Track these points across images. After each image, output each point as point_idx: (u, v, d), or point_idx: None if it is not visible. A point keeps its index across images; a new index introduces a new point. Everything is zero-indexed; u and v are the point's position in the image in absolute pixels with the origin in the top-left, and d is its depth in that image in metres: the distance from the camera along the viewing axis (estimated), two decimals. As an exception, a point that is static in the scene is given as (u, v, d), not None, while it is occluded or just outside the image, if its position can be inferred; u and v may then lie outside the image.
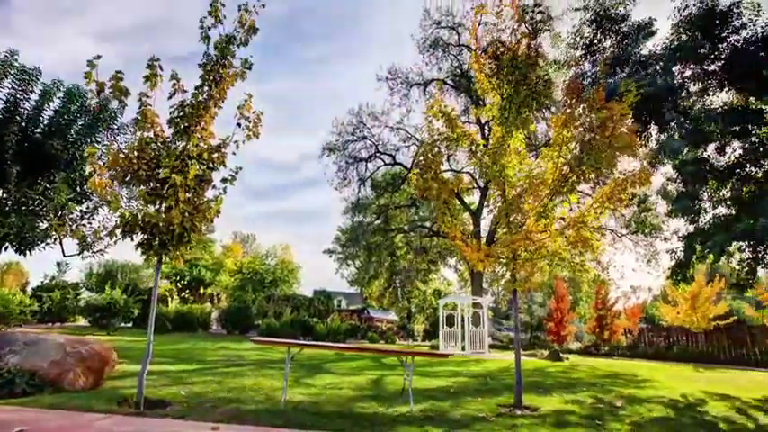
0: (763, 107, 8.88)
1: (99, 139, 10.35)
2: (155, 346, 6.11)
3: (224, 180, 6.05)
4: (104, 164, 5.31)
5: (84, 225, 10.42)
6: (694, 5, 9.29)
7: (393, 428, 4.81)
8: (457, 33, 18.80)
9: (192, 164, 5.56)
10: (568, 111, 6.06)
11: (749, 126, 9.41)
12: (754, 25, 9.16)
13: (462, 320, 19.42)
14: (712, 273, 26.19)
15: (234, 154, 6.25)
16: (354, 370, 9.96)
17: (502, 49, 6.14)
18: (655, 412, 6.16)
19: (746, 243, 9.56)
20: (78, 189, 10.23)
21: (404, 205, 23.80)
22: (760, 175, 9.63)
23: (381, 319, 35.17)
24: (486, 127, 18.62)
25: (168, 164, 5.15)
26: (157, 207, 5.42)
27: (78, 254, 9.78)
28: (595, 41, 10.59)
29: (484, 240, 17.93)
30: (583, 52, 10.83)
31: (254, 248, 57.42)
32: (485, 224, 20.36)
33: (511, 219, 5.82)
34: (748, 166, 9.69)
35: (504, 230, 5.93)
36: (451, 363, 12.75)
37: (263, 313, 27.36)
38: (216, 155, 6.06)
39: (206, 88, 5.88)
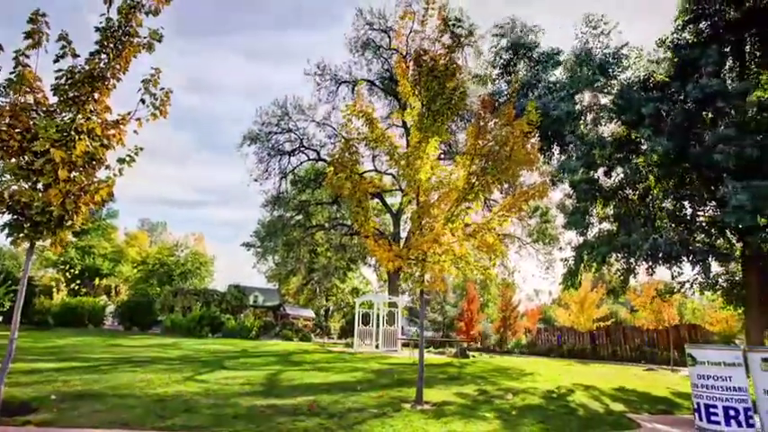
0: (640, 139, 10.30)
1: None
2: (29, 343, 5.43)
3: (120, 160, 5.47)
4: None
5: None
6: (593, 43, 10.58)
7: (269, 421, 4.78)
8: (388, 37, 19.11)
9: (80, 139, 4.95)
10: (481, 123, 6.45)
11: (630, 155, 10.86)
12: (637, 68, 10.70)
13: (378, 319, 19.76)
14: (597, 280, 29.68)
15: (136, 132, 5.69)
16: (254, 366, 9.70)
17: (424, 57, 6.36)
18: (527, 401, 6.86)
19: (622, 255, 10.97)
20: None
21: (326, 202, 23.55)
22: (635, 197, 11.17)
23: (298, 316, 34.44)
24: (410, 131, 19.19)
25: (47, 136, 4.51)
26: (32, 184, 4.73)
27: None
28: (511, 64, 11.51)
29: (404, 242, 18.48)
30: (500, 72, 11.70)
31: (163, 238, 52.92)
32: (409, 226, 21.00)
33: (423, 222, 6.05)
34: (627, 188, 11.20)
35: (416, 233, 6.14)
36: (357, 359, 12.96)
37: (169, 308, 25.33)
38: (112, 132, 5.47)
39: (104, 56, 5.27)
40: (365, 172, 22.31)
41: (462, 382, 8.81)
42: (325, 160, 22.84)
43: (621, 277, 11.89)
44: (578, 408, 6.58)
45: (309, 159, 22.98)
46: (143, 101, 5.63)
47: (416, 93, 6.29)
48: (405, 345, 18.84)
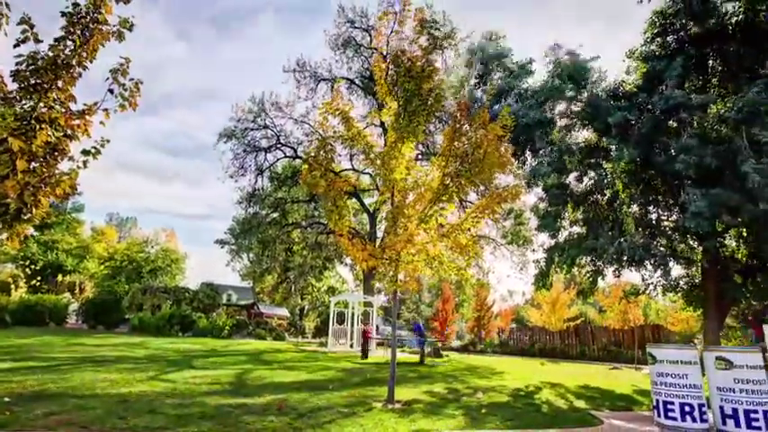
0: (608, 146, 10.67)
1: None
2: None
3: (85, 152, 5.26)
4: None
5: None
6: (565, 55, 10.92)
7: (237, 420, 4.73)
8: (369, 36, 19.07)
9: (41, 128, 4.73)
10: (457, 126, 6.54)
11: (599, 161, 11.23)
12: (606, 79, 11.11)
13: (353, 318, 19.73)
14: (569, 281, 30.56)
15: (102, 124, 5.49)
16: (223, 365, 9.56)
17: (402, 58, 6.39)
18: (494, 399, 7.02)
19: (591, 258, 11.33)
20: None
21: (302, 200, 23.31)
22: (604, 202, 11.56)
23: (272, 315, 33.99)
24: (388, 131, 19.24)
25: (5, 124, 4.30)
26: (-14, 174, 4.49)
27: None
28: (486, 72, 11.74)
29: (379, 241, 18.51)
30: (476, 78, 11.91)
31: (132, 234, 51.20)
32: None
33: (397, 222, 6.08)
34: (596, 193, 11.58)
35: (391, 233, 6.17)
36: (330, 359, 12.94)
37: (138, 306, 24.54)
38: (77, 122, 5.25)
39: (69, 43, 5.05)
40: (342, 171, 22.23)
41: (433, 380, 8.92)
42: (302, 157, 22.63)
43: (590, 279, 12.28)
44: (544, 405, 6.77)
45: (286, 156, 22.68)
46: (111, 91, 5.43)
47: (393, 93, 6.31)
48: (379, 344, 18.87)
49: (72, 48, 5.04)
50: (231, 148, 21.72)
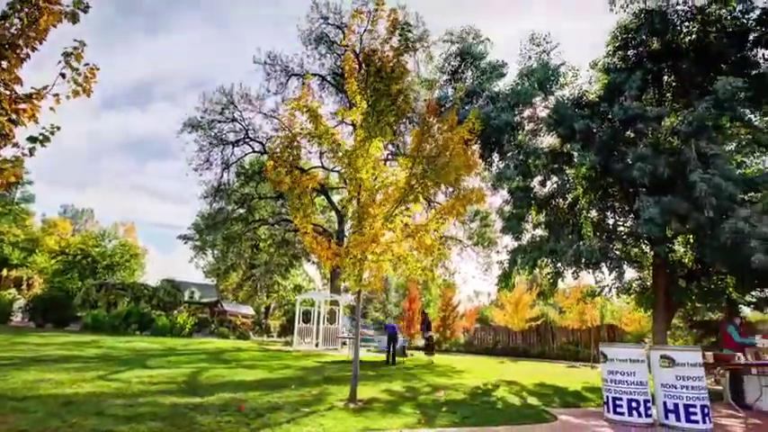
0: (571, 152, 11.08)
1: None
2: None
3: (32, 138, 4.94)
4: None
5: None
6: (534, 60, 11.27)
7: (191, 421, 4.61)
8: (343, 33, 18.90)
9: (-19, 111, 4.42)
10: (426, 127, 6.60)
11: (563, 166, 11.64)
12: (572, 86, 11.54)
13: (319, 317, 19.57)
14: (532, 282, 31.51)
15: (52, 110, 5.17)
16: (180, 364, 9.29)
17: (373, 57, 6.38)
18: (452, 396, 7.16)
19: (551, 260, 11.72)
20: None
21: (270, 196, 22.84)
22: (565, 206, 12.00)
23: (236, 313, 33.18)
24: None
25: (-62, 105, 3.97)
26: None
27: None
28: (459, 71, 11.93)
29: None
30: (448, 78, 12.09)
31: (88, 227, 48.69)
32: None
33: (363, 221, 6.07)
34: (558, 198, 12.00)
35: (356, 232, 6.15)
36: (293, 357, 12.83)
37: (92, 304, 23.32)
38: (23, 106, 4.94)
39: (16, 21, 4.74)
40: (312, 168, 21.95)
41: (394, 379, 9.00)
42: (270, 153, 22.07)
43: (551, 280, 12.72)
44: (499, 402, 6.95)
45: (255, 151, 22.13)
46: (63, 75, 5.13)
47: (363, 92, 6.30)
48: (345, 343, 18.81)
49: (19, 27, 4.73)
50: (196, 140, 21.01)
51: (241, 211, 23.87)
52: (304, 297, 21.07)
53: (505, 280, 12.65)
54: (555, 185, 11.95)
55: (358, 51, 9.81)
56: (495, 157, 12.04)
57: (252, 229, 24.86)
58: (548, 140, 12.28)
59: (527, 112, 11.30)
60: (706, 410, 5.79)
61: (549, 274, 12.70)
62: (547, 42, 12.01)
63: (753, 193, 9.56)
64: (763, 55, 10.27)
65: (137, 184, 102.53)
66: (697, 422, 5.76)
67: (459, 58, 11.96)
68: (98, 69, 5.47)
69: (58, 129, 5.20)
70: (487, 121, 10.14)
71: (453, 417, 5.67)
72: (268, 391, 6.62)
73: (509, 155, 11.08)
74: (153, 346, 13.21)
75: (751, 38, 10.06)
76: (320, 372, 9.50)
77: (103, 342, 13.24)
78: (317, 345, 19.22)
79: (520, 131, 11.25)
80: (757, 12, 9.87)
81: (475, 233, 22.19)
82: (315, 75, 20.46)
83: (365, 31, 7.75)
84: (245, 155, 22.51)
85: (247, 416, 5.05)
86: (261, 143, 21.45)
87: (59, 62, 5.15)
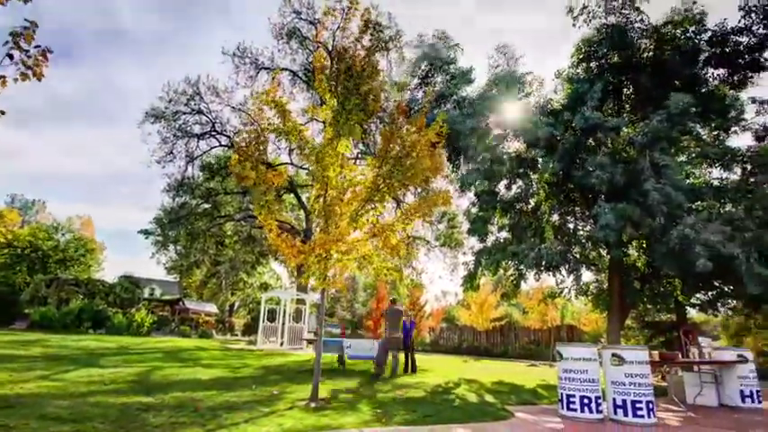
0: (536, 158, 11.47)
1: None
2: None
3: (-27, 122, 4.63)
4: None
5: None
6: (501, 68, 11.61)
7: (144, 422, 4.47)
8: (315, 29, 18.71)
9: None
10: (394, 128, 6.64)
11: (527, 171, 12.01)
12: (538, 94, 11.96)
13: (284, 316, 19.31)
14: (497, 283, 32.31)
15: (-5, 92, 4.85)
16: (134, 363, 8.96)
17: (344, 56, 6.36)
18: (412, 394, 7.27)
19: (514, 262, 12.07)
20: None
21: (236, 192, 22.26)
22: (528, 210, 12.40)
23: (199, 311, 32.22)
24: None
25: None
26: None
27: None
28: (429, 75, 12.12)
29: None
30: (418, 81, 12.26)
31: (40, 218, 45.92)
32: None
33: (329, 220, 6.04)
34: (522, 202, 12.39)
35: (321, 230, 6.12)
36: (252, 356, 12.62)
37: (41, 300, 22.02)
38: (-37, 87, 4.61)
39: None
40: (281, 164, 21.56)
41: (356, 378, 9.01)
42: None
43: (513, 282, 13.10)
44: (458, 400, 7.11)
45: (221, 145, 21.49)
46: (10, 56, 4.82)
47: (333, 89, 6.26)
48: (310, 342, 18.64)
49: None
50: (159, 131, 20.17)
51: (206, 206, 23.15)
52: (270, 295, 20.74)
53: (470, 281, 12.92)
54: (519, 190, 12.33)
55: (330, 49, 9.75)
56: (462, 160, 12.30)
57: (217, 224, 24.18)
58: (513, 146, 12.65)
59: (494, 118, 11.59)
60: (651, 406, 6.13)
61: (512, 275, 13.07)
62: (514, 51, 12.40)
63: (699, 203, 10.21)
64: (712, 74, 10.99)
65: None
66: (643, 416, 6.09)
67: (429, 63, 12.16)
68: (51, 52, 5.20)
69: (3, 113, 4.91)
70: (455, 126, 10.34)
71: (413, 415, 5.73)
72: (226, 390, 6.48)
73: (475, 159, 11.33)
74: (106, 344, 12.63)
75: (702, 58, 10.74)
76: (282, 371, 9.38)
77: (51, 341, 12.54)
78: (281, 344, 18.95)
79: (486, 136, 11.53)
80: (708, 34, 10.55)
81: (442, 234, 22.53)
82: (286, 70, 20.13)
83: (338, 28, 7.70)
84: (211, 148, 21.85)
85: (204, 416, 4.91)
86: (228, 137, 20.89)
87: (6, 42, 4.85)
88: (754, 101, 10.50)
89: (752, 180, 10.37)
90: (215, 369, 8.78)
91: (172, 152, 20.54)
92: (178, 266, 31.86)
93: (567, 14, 11.89)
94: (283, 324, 19.28)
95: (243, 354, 13.34)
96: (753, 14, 10.10)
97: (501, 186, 12.47)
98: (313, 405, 5.94)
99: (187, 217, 22.02)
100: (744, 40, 10.35)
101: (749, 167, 10.45)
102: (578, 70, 12.12)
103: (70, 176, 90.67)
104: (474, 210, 13.26)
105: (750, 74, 10.76)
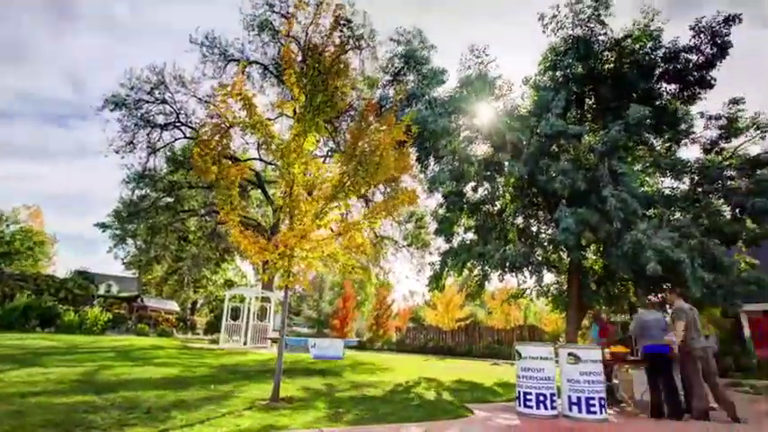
0: (502, 162, 11.75)
1: None
2: None
3: None
4: None
5: None
6: (473, 70, 11.82)
7: (90, 425, 4.28)
8: (289, 23, 18.31)
9: None
10: (362, 126, 6.62)
11: (494, 174, 12.28)
12: (506, 99, 12.26)
13: (248, 314, 18.89)
14: (463, 284, 32.91)
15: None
16: (82, 363, 8.54)
17: (314, 51, 6.28)
18: (371, 393, 7.29)
19: (479, 263, 12.31)
20: None
21: (201, 186, 21.50)
22: (494, 212, 12.70)
23: (159, 309, 31.00)
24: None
25: None
26: None
27: None
28: (402, 73, 12.18)
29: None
30: (391, 78, 12.30)
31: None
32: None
33: (294, 216, 5.95)
34: (488, 204, 12.67)
35: (286, 227, 6.02)
36: (212, 355, 12.31)
37: (-19, 297, 20.55)
38: None
39: None
40: (249, 159, 21.09)
41: (319, 376, 8.97)
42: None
43: (478, 282, 13.37)
44: (416, 398, 7.19)
45: (186, 137, 20.68)
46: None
47: (301, 85, 6.18)
48: (275, 341, 18.33)
49: None
50: (119, 119, 19.17)
51: (168, 199, 22.24)
52: (234, 293, 20.21)
53: (436, 281, 13.07)
54: (486, 192, 12.59)
55: (302, 43, 9.59)
56: (432, 161, 12.44)
57: (180, 219, 23.30)
58: (482, 149, 12.90)
59: (463, 120, 11.78)
60: (603, 402, 6.42)
61: (476, 276, 13.33)
62: (486, 55, 12.64)
63: (651, 210, 10.77)
64: (666, 89, 11.62)
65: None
66: (595, 413, 6.36)
67: (403, 61, 12.22)
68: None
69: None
70: (425, 126, 10.44)
71: (371, 414, 5.74)
72: (182, 389, 6.26)
73: (444, 160, 11.49)
74: (53, 343, 11.94)
75: (657, 72, 11.33)
76: (242, 370, 9.17)
77: (-7, 339, 11.73)
78: (245, 343, 18.53)
79: (456, 138, 11.71)
80: (663, 50, 11.14)
81: (410, 234, 22.68)
82: (256, 63, 19.65)
83: (311, 23, 7.60)
84: (176, 140, 20.97)
85: (156, 417, 4.73)
86: (193, 128, 20.18)
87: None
88: (702, 116, 11.18)
89: (699, 190, 11.04)
90: (170, 368, 8.47)
91: (132, 142, 19.60)
92: (137, 262, 30.54)
93: (539, 21, 12.24)
94: (247, 323, 18.86)
95: (203, 353, 12.95)
96: (702, 35, 10.75)
97: (468, 188, 12.69)
98: (273, 404, 5.84)
99: (148, 210, 21.09)
100: (693, 57, 11.00)
101: (697, 178, 11.11)
102: (545, 78, 12.50)
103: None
104: (441, 210, 13.43)
105: (699, 90, 11.45)
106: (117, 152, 19.49)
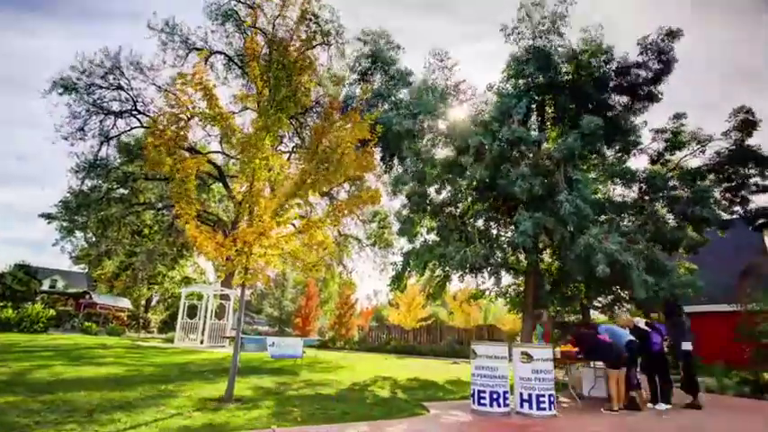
0: (465, 165, 11.99)
1: None
2: None
3: None
4: None
5: None
6: (436, 73, 12.05)
7: (23, 426, 4.04)
8: (254, 14, 17.85)
9: None
10: (327, 123, 6.57)
11: (456, 177, 12.52)
12: (470, 103, 12.55)
13: (206, 312, 18.30)
14: (426, 284, 33.32)
15: None
16: (14, 361, 8.05)
17: (279, 46, 6.17)
18: (324, 391, 7.26)
19: (440, 264, 12.52)
20: None
21: (159, 178, 20.55)
22: (456, 214, 12.95)
23: (109, 306, 29.43)
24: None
25: None
26: None
27: None
28: (369, 72, 12.18)
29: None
30: (357, 77, 12.28)
31: None
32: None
33: (253, 213, 5.82)
34: (450, 206, 12.91)
35: (244, 223, 5.88)
36: (163, 354, 11.89)
37: None
38: None
39: None
40: (210, 152, 20.40)
41: (274, 375, 8.84)
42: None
43: (439, 283, 13.59)
44: (369, 396, 7.24)
45: (142, 126, 19.69)
46: None
47: (265, 78, 6.05)
48: (233, 340, 17.85)
49: None
50: (69, 104, 17.97)
51: (122, 191, 21.11)
52: (191, 290, 19.52)
53: (398, 281, 13.18)
54: (448, 194, 12.82)
55: (267, 36, 9.39)
56: (396, 161, 12.53)
57: (134, 212, 22.18)
58: (445, 151, 13.12)
59: (427, 123, 11.93)
60: (552, 399, 6.70)
61: (438, 276, 13.55)
62: (448, 59, 12.88)
63: (603, 216, 11.35)
64: (618, 101, 12.27)
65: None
66: (545, 409, 6.63)
67: (370, 60, 12.23)
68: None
69: None
70: (390, 126, 10.49)
71: (322, 412, 5.71)
72: (128, 390, 5.98)
73: (408, 161, 11.59)
74: (8, 342, 11.09)
75: (611, 85, 11.94)
76: (195, 370, 8.88)
77: None
78: (201, 342, 17.93)
79: (419, 140, 11.84)
80: (615, 64, 11.76)
81: (373, 233, 22.73)
82: (220, 53, 19.03)
83: (278, 15, 7.47)
84: (131, 128, 19.90)
85: (98, 420, 4.49)
86: (151, 117, 19.27)
87: None
88: (646, 125, 11.92)
89: (646, 198, 11.74)
90: (116, 367, 8.07)
91: (83, 129, 18.44)
92: (86, 256, 28.80)
93: (501, 31, 12.60)
94: (205, 321, 18.25)
95: (154, 352, 12.41)
96: (648, 51, 11.44)
97: (431, 190, 12.86)
98: (225, 405, 5.69)
99: (99, 202, 19.93)
100: (642, 73, 11.68)
101: (644, 187, 11.81)
102: (508, 85, 12.87)
103: (-46, 148, 78.34)
104: (405, 211, 13.55)
105: (647, 103, 12.17)
106: (65, 138, 18.31)
